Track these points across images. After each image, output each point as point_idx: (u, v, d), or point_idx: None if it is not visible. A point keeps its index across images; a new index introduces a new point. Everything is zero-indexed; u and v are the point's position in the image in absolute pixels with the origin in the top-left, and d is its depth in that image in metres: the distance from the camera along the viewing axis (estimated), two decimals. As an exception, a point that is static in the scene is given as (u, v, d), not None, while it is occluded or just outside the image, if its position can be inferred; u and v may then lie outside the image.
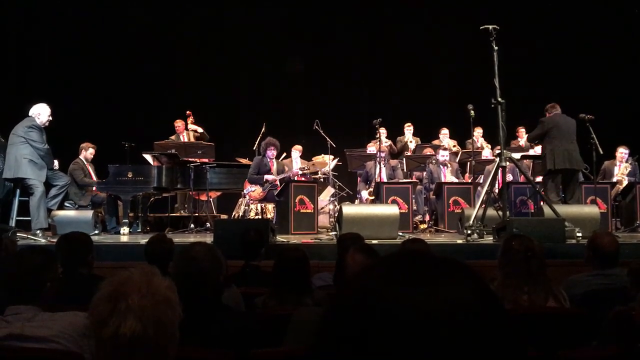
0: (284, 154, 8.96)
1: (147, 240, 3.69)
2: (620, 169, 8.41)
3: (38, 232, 6.32)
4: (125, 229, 7.18)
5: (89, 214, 7.20)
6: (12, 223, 6.38)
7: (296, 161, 8.77)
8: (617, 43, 10.81)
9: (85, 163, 8.03)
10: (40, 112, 6.55)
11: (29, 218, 6.43)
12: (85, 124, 9.66)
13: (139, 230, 7.73)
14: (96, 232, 6.91)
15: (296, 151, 8.95)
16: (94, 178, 7.95)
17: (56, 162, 6.89)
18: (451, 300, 0.54)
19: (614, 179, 8.33)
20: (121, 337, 1.25)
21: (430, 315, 0.53)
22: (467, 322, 0.53)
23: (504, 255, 2.77)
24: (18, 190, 6.44)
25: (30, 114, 6.55)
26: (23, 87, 9.67)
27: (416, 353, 0.52)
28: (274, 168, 7.86)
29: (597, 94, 10.25)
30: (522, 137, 9.28)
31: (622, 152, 8.42)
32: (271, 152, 7.83)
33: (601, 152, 7.21)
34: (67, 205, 7.57)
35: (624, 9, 10.86)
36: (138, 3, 10.87)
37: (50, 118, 6.63)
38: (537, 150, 8.17)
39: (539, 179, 7.87)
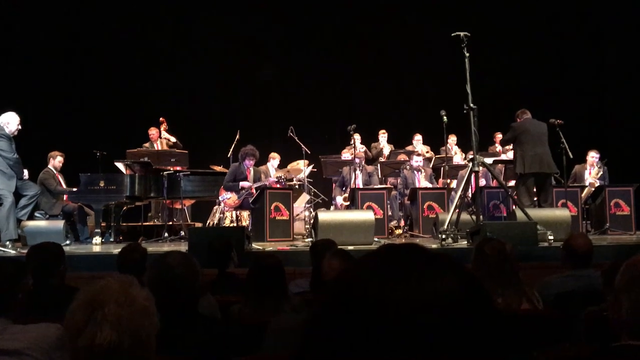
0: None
1: (119, 250, 3.64)
2: (592, 173, 8.58)
3: (7, 243, 6.17)
4: (97, 239, 7.07)
5: (59, 224, 7.08)
6: (-19, 234, 6.24)
7: (273, 169, 8.74)
8: (587, 49, 11.05)
9: (55, 172, 7.87)
10: (9, 121, 6.41)
11: (-2, 229, 6.29)
12: (55, 132, 9.50)
13: (112, 239, 7.62)
14: (67, 242, 6.79)
15: (273, 159, 8.91)
16: (64, 188, 7.81)
17: (26, 172, 6.75)
18: (440, 292, 0.55)
19: (587, 182, 8.49)
20: (97, 347, 1.23)
21: (419, 306, 0.54)
22: (455, 313, 0.54)
23: (476, 259, 2.80)
24: (-14, 201, 6.29)
25: (-2, 122, 6.42)
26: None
27: (404, 345, 0.53)
28: (251, 176, 7.81)
29: (566, 99, 10.46)
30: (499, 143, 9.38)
31: (593, 155, 8.60)
32: (249, 162, 7.73)
33: (571, 157, 7.35)
34: (38, 215, 7.41)
35: (593, 14, 11.09)
36: (109, 10, 10.74)
37: (20, 127, 6.49)
38: (510, 155, 8.29)
39: (512, 183, 7.98)
